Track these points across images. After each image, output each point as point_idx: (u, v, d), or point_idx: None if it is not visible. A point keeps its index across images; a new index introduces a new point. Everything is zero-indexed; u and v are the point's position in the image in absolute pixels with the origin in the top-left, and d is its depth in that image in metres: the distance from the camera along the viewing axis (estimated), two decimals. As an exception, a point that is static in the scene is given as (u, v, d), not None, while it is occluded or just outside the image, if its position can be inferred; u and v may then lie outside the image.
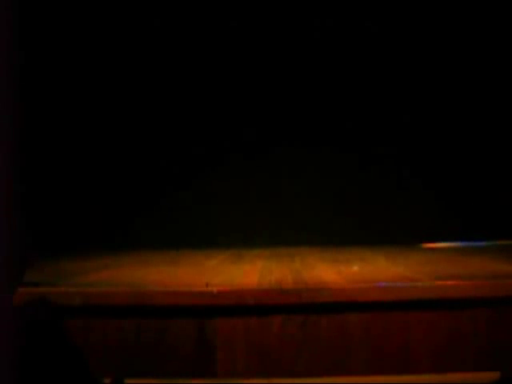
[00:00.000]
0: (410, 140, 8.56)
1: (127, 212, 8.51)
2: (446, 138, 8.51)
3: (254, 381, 4.53)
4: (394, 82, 8.50)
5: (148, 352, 4.63)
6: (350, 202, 8.54)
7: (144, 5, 8.43)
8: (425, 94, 8.52)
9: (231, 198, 8.60)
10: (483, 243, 8.08)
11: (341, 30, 8.48)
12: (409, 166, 8.44)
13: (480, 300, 4.67)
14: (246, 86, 8.61)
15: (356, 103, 8.57)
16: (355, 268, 6.00)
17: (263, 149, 8.63)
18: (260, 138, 8.64)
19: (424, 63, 8.43)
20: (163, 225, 8.48)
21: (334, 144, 8.53)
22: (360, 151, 8.51)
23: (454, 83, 8.44)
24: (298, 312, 4.67)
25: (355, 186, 8.55)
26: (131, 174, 8.56)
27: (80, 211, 8.32)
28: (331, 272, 5.79)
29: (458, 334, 4.69)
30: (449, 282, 4.89)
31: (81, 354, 2.71)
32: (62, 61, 8.26)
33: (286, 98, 8.63)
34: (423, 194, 8.40)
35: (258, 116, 8.68)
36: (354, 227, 8.38)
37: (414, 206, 8.40)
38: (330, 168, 8.61)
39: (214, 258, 7.17)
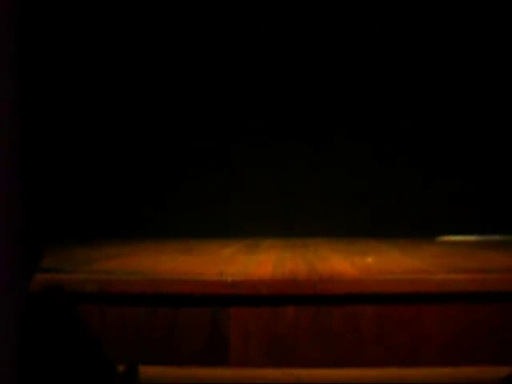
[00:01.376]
0: (424, 133, 8.53)
1: (141, 200, 8.54)
2: (460, 131, 8.48)
3: (267, 370, 4.55)
4: (406, 80, 8.46)
5: (162, 340, 4.67)
6: (364, 194, 8.52)
7: (141, 4, 8.44)
8: (435, 92, 8.47)
9: (246, 187, 8.60)
10: (498, 237, 8.05)
11: (350, 29, 8.47)
12: (423, 160, 8.41)
13: (494, 294, 4.67)
14: (258, 80, 8.60)
15: (369, 98, 8.55)
16: (369, 260, 6.01)
17: (279, 140, 8.63)
18: (275, 130, 8.64)
19: (436, 65, 8.39)
20: (178, 213, 8.50)
21: (349, 136, 8.51)
22: (375, 145, 8.49)
23: (465, 82, 8.39)
24: (311, 303, 4.68)
25: (370, 179, 8.54)
26: (147, 162, 8.58)
27: (94, 199, 8.35)
28: (345, 263, 5.80)
29: (472, 328, 4.69)
30: (463, 276, 4.88)
31: (96, 341, 2.73)
32: (63, 59, 8.28)
33: (299, 91, 8.60)
34: (439, 188, 8.37)
35: (272, 107, 8.67)
36: (368, 219, 8.36)
37: (429, 199, 8.37)
38: (346, 160, 8.59)
39: (229, 248, 7.20)
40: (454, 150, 8.50)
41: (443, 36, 8.36)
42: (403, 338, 4.68)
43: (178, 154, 8.69)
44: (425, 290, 4.71)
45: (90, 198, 8.34)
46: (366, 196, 8.54)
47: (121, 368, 2.96)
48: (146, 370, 4.24)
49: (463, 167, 8.46)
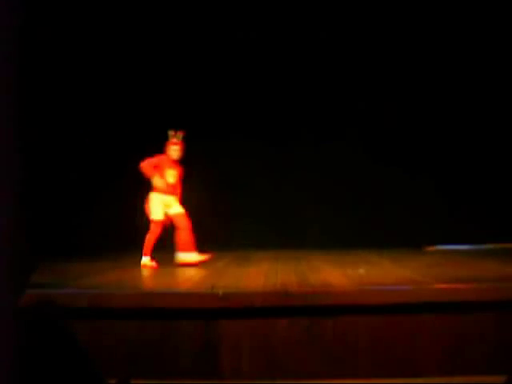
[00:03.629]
0: (416, 144, 8.54)
1: (132, 214, 8.49)
2: (453, 142, 8.49)
3: (259, 382, 4.52)
4: (404, 89, 8.46)
5: (154, 353, 4.64)
6: (355, 205, 8.52)
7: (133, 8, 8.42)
8: (433, 101, 8.48)
9: (237, 200, 8.59)
10: (490, 246, 8.06)
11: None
12: (415, 170, 8.41)
13: (486, 303, 4.66)
14: (253, 90, 8.60)
15: (362, 107, 8.55)
16: (361, 271, 6.00)
17: (270, 153, 8.63)
18: (266, 143, 8.63)
19: (434, 74, 8.41)
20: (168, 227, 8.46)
21: (341, 148, 8.51)
22: (366, 156, 8.49)
23: (464, 90, 8.40)
24: (303, 314, 4.66)
25: (361, 190, 8.54)
26: (136, 177, 8.55)
27: (84, 214, 8.31)
28: (337, 275, 5.78)
29: (465, 337, 4.67)
30: (455, 285, 4.88)
31: (87, 356, 2.70)
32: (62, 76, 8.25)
33: (289, 101, 8.60)
34: (430, 197, 8.38)
35: (261, 120, 8.67)
36: (359, 230, 8.36)
37: (421, 209, 8.38)
38: (336, 172, 8.59)
39: (220, 260, 7.17)
40: (445, 161, 8.51)
41: (448, 44, 8.36)
42: (396, 348, 4.66)
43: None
44: (417, 300, 4.70)
45: (78, 214, 8.31)
46: (357, 207, 8.54)
47: (112, 382, 2.93)
48: (138, 385, 4.21)
49: (454, 178, 8.47)
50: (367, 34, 8.47)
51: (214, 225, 8.47)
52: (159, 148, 7.02)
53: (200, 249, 6.87)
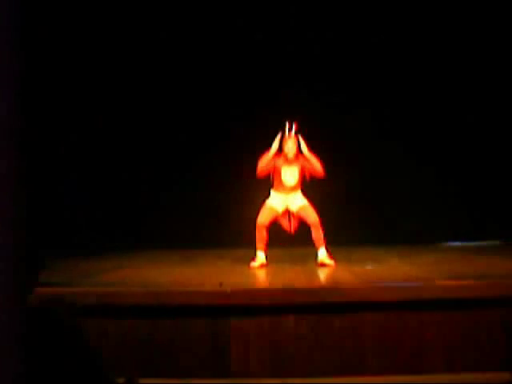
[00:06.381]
0: (425, 141, 8.51)
1: (139, 212, 8.52)
2: (461, 138, 8.47)
3: (267, 380, 4.54)
4: (419, 91, 8.43)
5: (162, 351, 4.65)
6: (362, 201, 8.51)
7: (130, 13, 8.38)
8: (444, 101, 8.45)
9: (243, 198, 8.58)
10: (497, 243, 8.05)
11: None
12: (422, 167, 8.39)
13: (494, 300, 4.66)
14: (252, 90, 8.57)
15: (369, 105, 8.53)
16: (368, 268, 6.00)
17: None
18: (269, 140, 8.61)
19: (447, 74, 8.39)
20: (176, 225, 8.47)
21: (348, 144, 8.49)
22: (374, 152, 8.47)
23: (477, 91, 8.38)
24: (310, 312, 4.67)
25: (368, 186, 8.52)
26: (143, 175, 8.55)
27: (92, 212, 8.32)
28: (344, 272, 5.79)
29: (472, 334, 4.68)
30: (462, 282, 4.88)
31: (96, 354, 2.72)
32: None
33: (291, 100, 8.56)
34: (437, 194, 8.36)
35: (265, 120, 8.65)
36: (366, 227, 8.35)
37: (428, 205, 8.36)
38: (343, 168, 8.57)
39: (227, 258, 7.18)
40: (452, 157, 8.48)
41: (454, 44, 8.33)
42: (404, 345, 4.67)
43: (173, 166, 8.65)
44: (424, 296, 4.70)
45: (87, 212, 8.32)
46: (364, 203, 8.52)
47: (120, 381, 2.95)
48: (147, 383, 4.23)
49: (461, 174, 8.45)
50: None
51: (220, 223, 8.48)
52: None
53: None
